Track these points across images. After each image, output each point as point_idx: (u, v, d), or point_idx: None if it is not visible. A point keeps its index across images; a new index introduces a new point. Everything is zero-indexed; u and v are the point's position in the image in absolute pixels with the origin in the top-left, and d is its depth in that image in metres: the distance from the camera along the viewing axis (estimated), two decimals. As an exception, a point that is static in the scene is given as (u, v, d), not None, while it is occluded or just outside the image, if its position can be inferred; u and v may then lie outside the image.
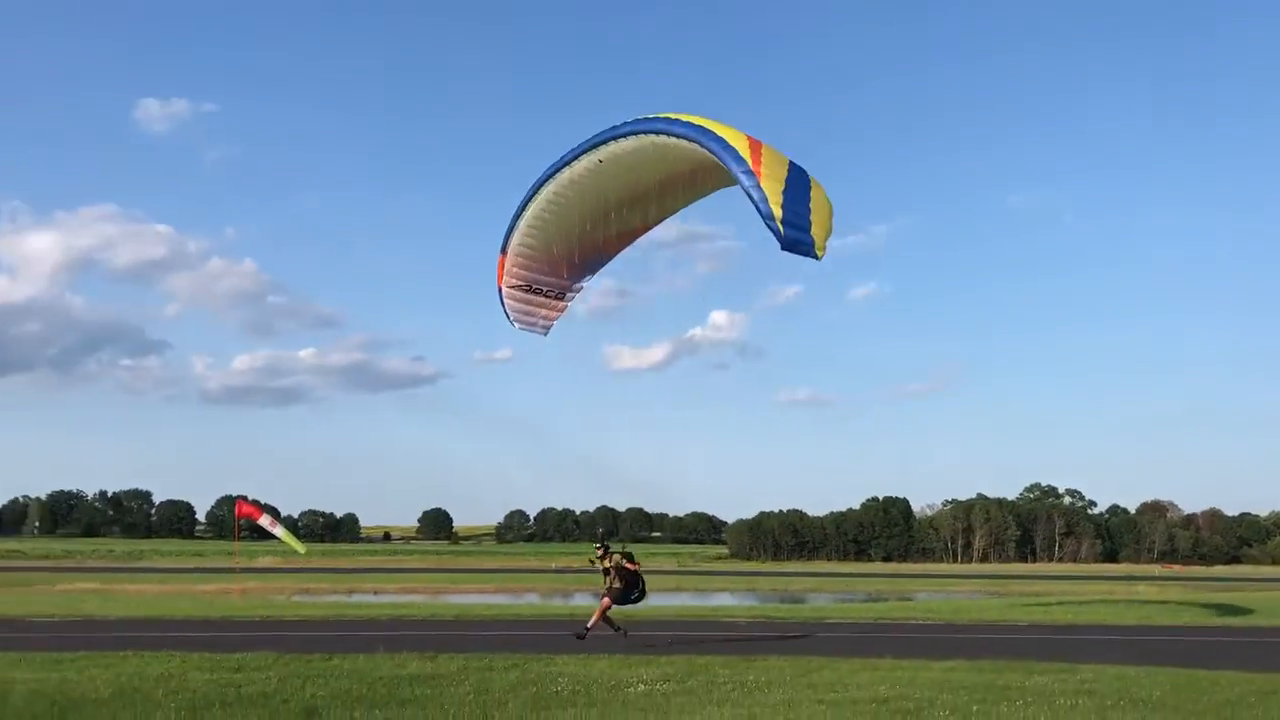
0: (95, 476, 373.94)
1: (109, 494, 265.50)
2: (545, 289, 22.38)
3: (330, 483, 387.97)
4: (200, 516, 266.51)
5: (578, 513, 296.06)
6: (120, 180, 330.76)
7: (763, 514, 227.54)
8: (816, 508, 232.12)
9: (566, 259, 21.99)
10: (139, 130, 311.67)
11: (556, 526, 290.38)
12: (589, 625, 21.34)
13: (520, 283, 22.07)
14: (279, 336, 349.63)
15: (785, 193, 16.88)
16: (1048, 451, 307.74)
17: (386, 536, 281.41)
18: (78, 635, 22.64)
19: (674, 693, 14.60)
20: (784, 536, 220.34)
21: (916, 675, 16.69)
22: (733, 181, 17.97)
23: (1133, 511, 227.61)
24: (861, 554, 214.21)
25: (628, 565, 21.31)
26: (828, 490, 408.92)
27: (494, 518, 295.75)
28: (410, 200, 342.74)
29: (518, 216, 21.47)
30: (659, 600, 55.24)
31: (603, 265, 22.92)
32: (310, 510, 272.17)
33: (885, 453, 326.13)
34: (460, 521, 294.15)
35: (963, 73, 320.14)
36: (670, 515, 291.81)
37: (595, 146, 20.11)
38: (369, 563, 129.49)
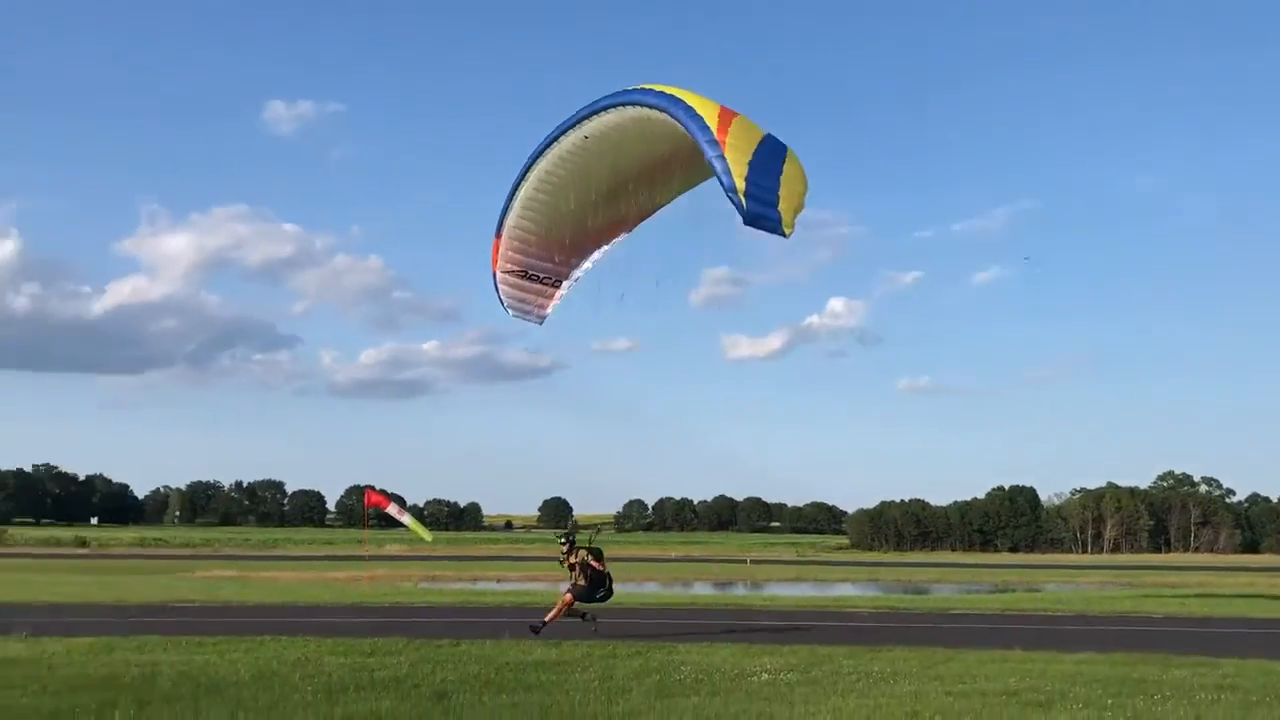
0: (231, 467, 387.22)
1: (244, 484, 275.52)
2: (541, 275, 21.02)
3: (454, 472, 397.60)
4: (330, 506, 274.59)
5: (695, 502, 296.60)
6: (250, 181, 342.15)
7: (884, 503, 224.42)
8: (940, 497, 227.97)
9: (561, 244, 20.64)
10: (267, 132, 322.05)
11: (674, 516, 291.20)
12: (546, 619, 20.40)
13: (515, 268, 20.72)
14: (403, 330, 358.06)
15: (752, 165, 16.04)
16: (1180, 439, 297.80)
17: (508, 525, 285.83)
18: (218, 620, 23.56)
19: (798, 682, 14.51)
20: (906, 526, 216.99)
21: (1047, 668, 16.27)
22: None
23: (1275, 500, 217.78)
24: (987, 544, 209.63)
25: (593, 563, 20.37)
26: (951, 479, 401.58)
27: (612, 507, 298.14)
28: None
29: (511, 197, 20.27)
30: (779, 590, 55.03)
31: (599, 252, 21.58)
32: (435, 499, 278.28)
33: (1010, 440, 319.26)
34: (579, 510, 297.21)
35: (1083, 54, 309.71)
36: (789, 505, 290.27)
37: (580, 121, 19.10)
38: (492, 550, 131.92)
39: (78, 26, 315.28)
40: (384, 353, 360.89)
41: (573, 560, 20.51)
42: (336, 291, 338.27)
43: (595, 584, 20.40)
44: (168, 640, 18.19)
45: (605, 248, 21.41)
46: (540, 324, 21.75)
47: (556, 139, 19.42)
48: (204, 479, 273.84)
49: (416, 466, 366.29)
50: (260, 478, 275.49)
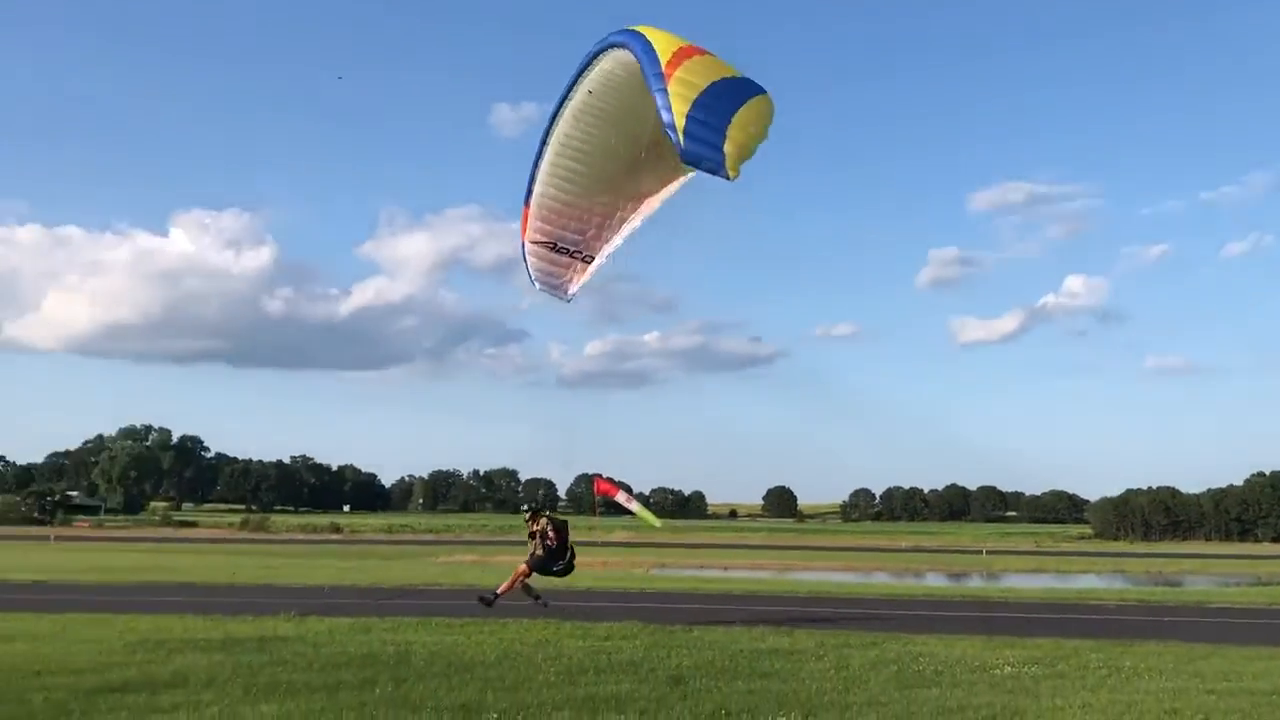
0: (469, 456, 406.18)
1: (480, 473, 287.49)
2: (570, 249, 19.39)
3: (678, 461, 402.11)
4: (561, 493, 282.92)
5: (925, 491, 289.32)
6: (480, 182, 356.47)
7: (1130, 491, 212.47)
8: (1191, 484, 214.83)
9: (589, 213, 19.11)
10: (494, 134, 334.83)
11: (903, 505, 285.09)
12: (499, 590, 20.21)
13: (544, 239, 19.23)
14: (625, 323, 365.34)
15: (699, 101, 14.83)
16: None
17: (733, 514, 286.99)
18: (463, 603, 24.62)
19: (1043, 676, 13.95)
20: (1154, 515, 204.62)
21: (1324, 668, 15.03)
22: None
23: None
24: (1246, 534, 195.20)
25: (552, 533, 19.98)
26: (1204, 465, 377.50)
27: (838, 496, 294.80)
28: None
29: (537, 161, 18.81)
30: (1017, 581, 52.99)
31: (626, 226, 19.44)
32: (660, 487, 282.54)
33: (1271, 422, 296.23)
34: (804, 499, 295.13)
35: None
36: (1026, 494, 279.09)
37: (582, 73, 17.53)
38: (718, 539, 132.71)
39: (317, 48, 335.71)
40: (607, 344, 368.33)
41: (534, 528, 20.31)
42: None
43: (552, 556, 20.06)
44: (418, 621, 19.18)
45: (635, 220, 19.30)
46: (568, 300, 19.85)
47: (567, 96, 17.96)
48: (444, 468, 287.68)
49: (642, 455, 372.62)
50: (496, 466, 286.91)
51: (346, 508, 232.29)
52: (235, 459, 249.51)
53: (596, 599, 27.07)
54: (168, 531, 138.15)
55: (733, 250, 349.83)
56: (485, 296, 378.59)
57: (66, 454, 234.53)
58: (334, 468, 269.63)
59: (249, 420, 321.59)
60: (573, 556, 20.46)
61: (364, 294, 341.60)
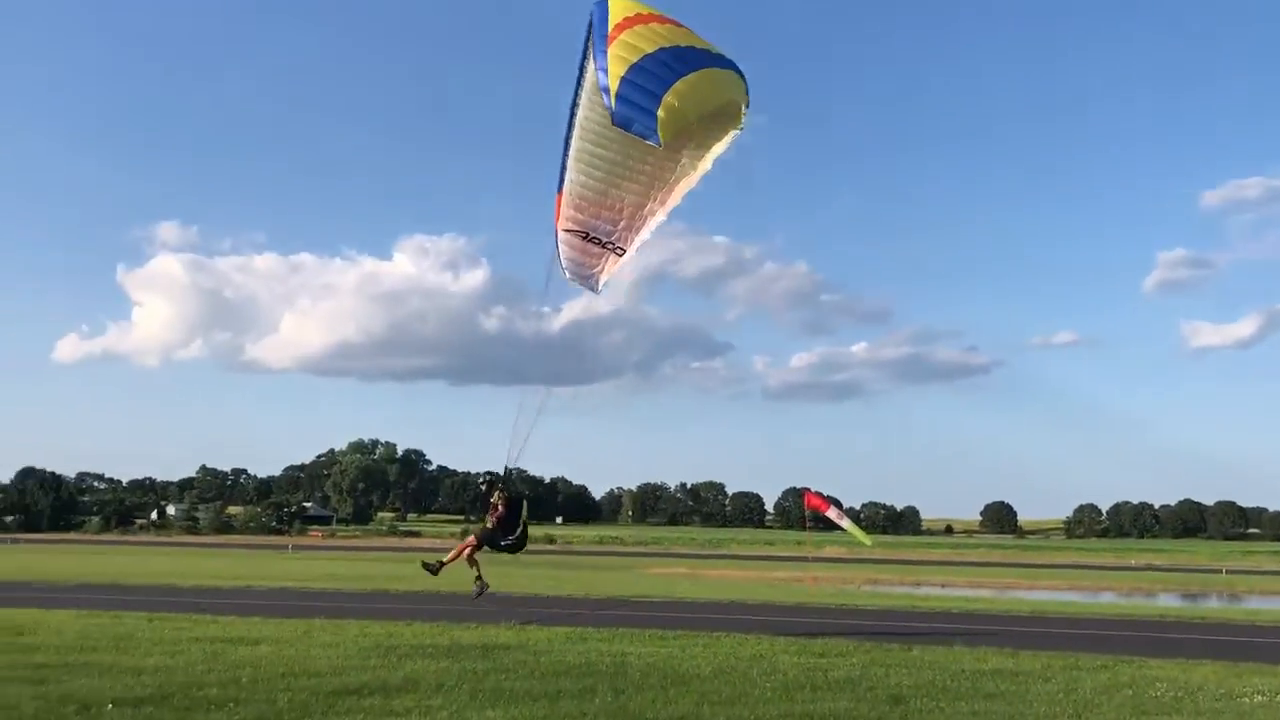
0: (676, 469, 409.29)
1: (688, 485, 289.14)
2: (603, 238, 18.15)
3: (889, 475, 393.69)
4: (769, 507, 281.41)
5: (1156, 507, 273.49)
6: (685, 199, 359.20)
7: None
8: None
9: (618, 201, 17.84)
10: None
11: (1132, 521, 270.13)
12: (445, 560, 19.70)
13: (576, 227, 18.10)
14: (832, 333, 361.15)
15: (638, 65, 14.41)
16: None
17: (948, 530, 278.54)
18: (675, 615, 24.83)
19: (1299, 708, 12.93)
20: None
21: None
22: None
23: None
24: None
25: (500, 506, 18.99)
26: None
27: (1062, 511, 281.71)
28: (941, 187, 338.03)
29: (566, 146, 17.67)
30: (1262, 604, 49.31)
31: (654, 219, 18.00)
32: (870, 502, 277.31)
33: None
34: (1025, 515, 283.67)
35: None
36: (1269, 510, 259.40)
37: (586, 45, 16.29)
38: (932, 555, 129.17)
39: (523, 75, 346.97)
40: (814, 356, 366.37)
41: (493, 500, 19.46)
42: (766, 298, 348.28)
43: (503, 529, 19.08)
44: (633, 632, 19.43)
45: (660, 214, 17.99)
46: (598, 292, 18.97)
47: (582, 73, 16.81)
48: (652, 480, 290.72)
49: (851, 469, 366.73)
50: (703, 479, 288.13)
51: (559, 519, 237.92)
52: (455, 471, 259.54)
53: (809, 615, 26.78)
54: (394, 541, 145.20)
55: (946, 257, 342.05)
56: (691, 310, 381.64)
57: (301, 467, 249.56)
58: (547, 479, 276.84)
59: (467, 434, 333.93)
60: (524, 534, 19.41)
61: (573, 310, 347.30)
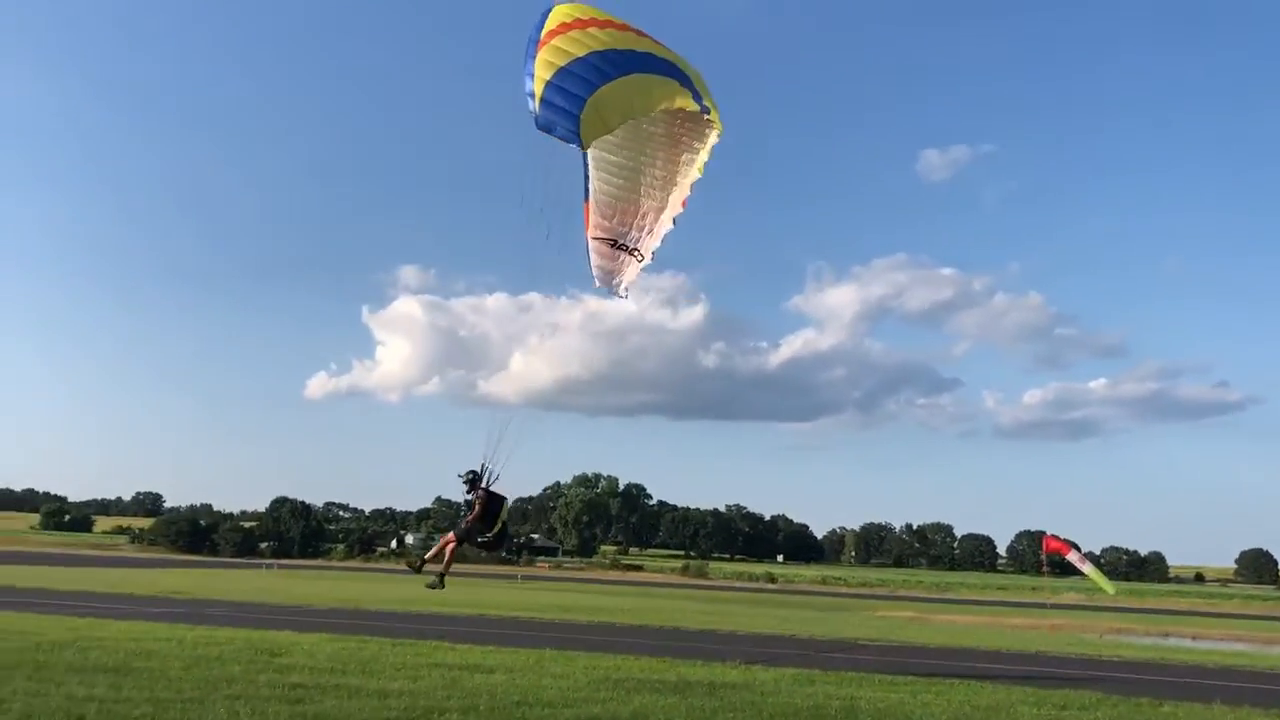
0: (901, 510, 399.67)
1: (914, 526, 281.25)
2: (629, 244, 18.13)
3: (1131, 518, 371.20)
4: (1000, 550, 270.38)
5: None
6: (907, 230, 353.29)
7: None
8: None
9: (637, 207, 17.77)
10: (921, 180, 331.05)
11: None
12: (427, 555, 19.62)
13: (604, 235, 18.06)
14: (1067, 369, 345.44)
15: (565, 70, 14.40)
16: None
17: (1199, 578, 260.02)
18: (902, 660, 24.15)
19: None
20: None
21: None
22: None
23: None
24: None
25: (478, 505, 18.37)
26: None
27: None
28: (1184, 215, 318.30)
29: (584, 155, 17.60)
30: None
31: (666, 223, 17.91)
32: (1111, 546, 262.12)
33: None
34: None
35: None
36: None
37: None
38: (1180, 604, 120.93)
39: (738, 112, 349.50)
40: (1049, 392, 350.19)
41: (471, 496, 18.78)
42: (996, 332, 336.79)
43: (483, 522, 18.60)
44: (861, 676, 19.01)
45: (666, 220, 17.92)
46: (625, 297, 18.78)
47: None
48: (876, 520, 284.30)
49: (1089, 511, 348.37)
50: (929, 520, 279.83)
51: (780, 557, 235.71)
52: (675, 506, 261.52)
53: (1047, 664, 25.54)
54: (616, 574, 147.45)
55: (1193, 286, 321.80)
56: (915, 345, 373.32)
57: (529, 499, 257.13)
58: (767, 517, 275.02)
59: (687, 469, 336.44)
60: (502, 532, 19.26)
61: (792, 346, 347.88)
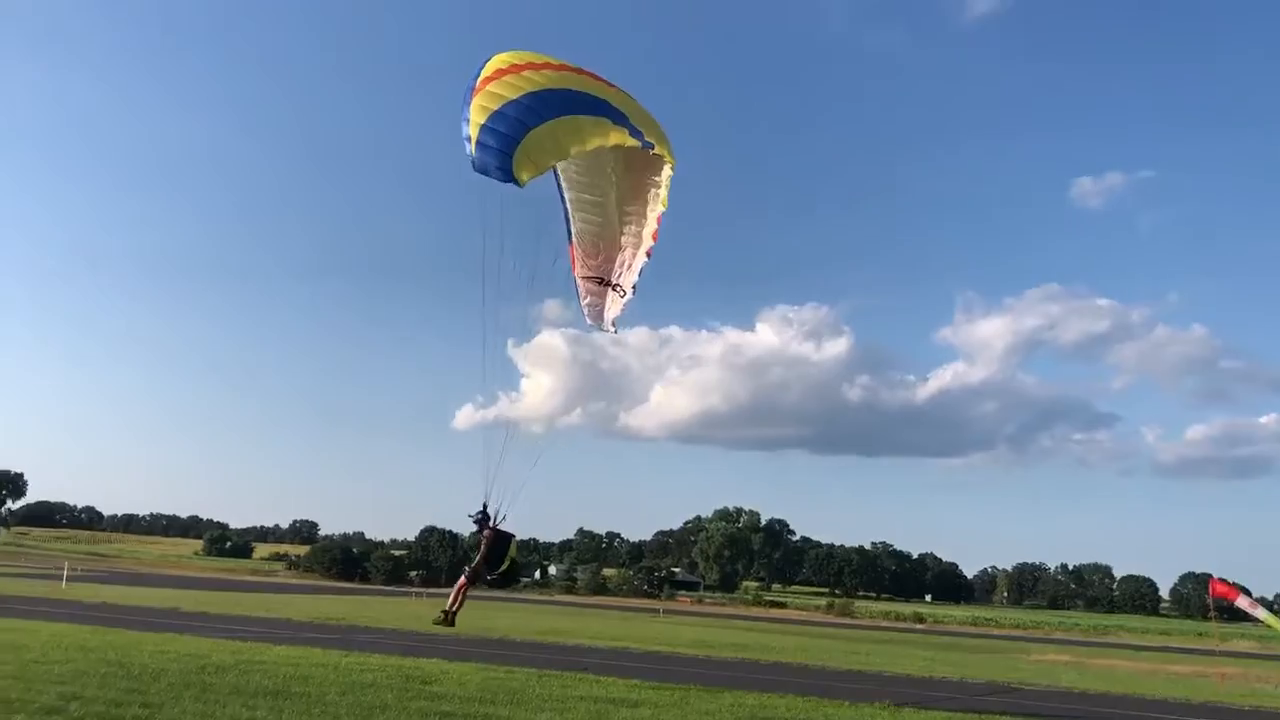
0: (1056, 549, 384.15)
1: (1070, 567, 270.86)
2: (613, 280, 18.45)
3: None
4: (1163, 593, 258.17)
5: None
6: (1060, 260, 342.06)
7: None
8: None
9: (615, 243, 18.16)
10: (1075, 208, 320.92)
11: None
12: (450, 609, 18.64)
13: (591, 273, 18.39)
14: (1234, 403, 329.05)
15: (499, 113, 14.77)
16: None
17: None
18: (1060, 706, 23.22)
19: None
20: None
21: None
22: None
23: None
24: None
25: (484, 542, 17.87)
26: None
27: None
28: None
29: (562, 198, 18.19)
30: None
31: (642, 256, 18.00)
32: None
33: None
34: None
35: None
36: None
37: None
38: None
39: (874, 140, 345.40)
40: (1214, 428, 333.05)
41: (480, 536, 18.18)
42: (1156, 365, 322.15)
43: (489, 563, 18.13)
44: (1016, 722, 18.36)
45: (641, 252, 18.03)
46: (614, 331, 18.88)
47: None
48: (1029, 560, 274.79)
49: (1262, 554, 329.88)
50: (1086, 560, 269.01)
51: (928, 597, 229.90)
52: (819, 543, 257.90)
53: (1218, 716, 24.21)
54: (758, 610, 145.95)
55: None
56: (1069, 378, 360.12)
57: (670, 533, 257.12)
58: (914, 555, 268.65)
59: (831, 505, 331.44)
60: (511, 569, 18.88)
61: (941, 379, 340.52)
